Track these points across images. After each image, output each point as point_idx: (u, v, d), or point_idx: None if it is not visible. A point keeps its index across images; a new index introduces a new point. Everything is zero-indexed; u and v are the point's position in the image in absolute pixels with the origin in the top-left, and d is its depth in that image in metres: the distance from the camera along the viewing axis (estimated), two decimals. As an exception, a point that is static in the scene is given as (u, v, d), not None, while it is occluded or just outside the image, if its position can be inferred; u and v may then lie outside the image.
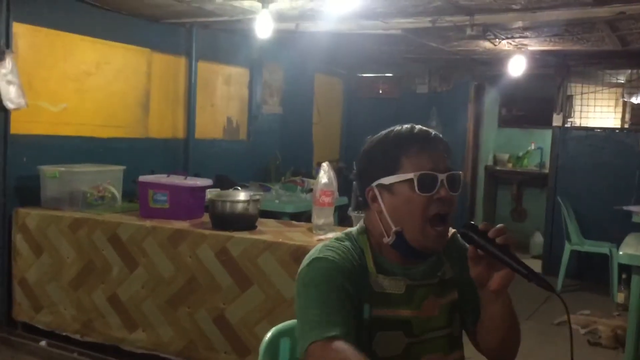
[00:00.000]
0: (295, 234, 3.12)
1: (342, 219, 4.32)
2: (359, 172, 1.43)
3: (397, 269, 1.37)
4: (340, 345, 1.18)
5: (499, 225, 1.26)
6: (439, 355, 1.38)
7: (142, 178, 3.58)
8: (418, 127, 1.39)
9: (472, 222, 1.28)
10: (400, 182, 1.31)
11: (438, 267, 1.42)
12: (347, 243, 1.39)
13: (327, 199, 3.00)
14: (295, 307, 1.33)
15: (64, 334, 3.56)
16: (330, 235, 2.84)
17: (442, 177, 1.31)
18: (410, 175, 1.30)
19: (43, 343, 3.57)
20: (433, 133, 1.38)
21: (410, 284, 1.36)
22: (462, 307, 1.44)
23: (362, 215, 1.49)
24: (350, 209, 3.01)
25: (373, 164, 1.38)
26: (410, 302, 1.35)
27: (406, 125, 1.40)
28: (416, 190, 1.29)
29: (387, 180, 1.33)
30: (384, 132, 1.41)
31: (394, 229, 1.32)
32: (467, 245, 1.30)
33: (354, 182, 1.65)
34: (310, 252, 1.38)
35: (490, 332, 1.38)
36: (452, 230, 1.45)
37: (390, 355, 1.32)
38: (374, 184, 1.35)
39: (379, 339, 1.32)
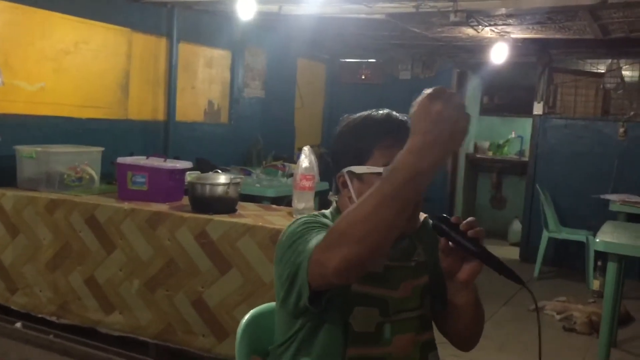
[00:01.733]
0: (275, 218, 3.11)
1: (323, 204, 4.30)
2: (332, 156, 1.44)
3: None
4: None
5: (469, 219, 1.26)
6: (411, 335, 1.39)
7: (121, 159, 3.53)
8: (394, 115, 1.38)
9: (445, 215, 1.27)
10: (370, 173, 1.32)
11: (412, 250, 1.44)
12: (324, 219, 1.40)
13: (307, 183, 2.99)
14: (280, 269, 1.31)
15: (40, 315, 3.52)
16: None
17: None
18: (379, 169, 1.30)
19: (18, 325, 3.53)
20: (408, 122, 1.35)
21: (389, 264, 1.38)
22: (432, 291, 1.46)
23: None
24: (330, 193, 3.01)
25: (345, 151, 1.38)
26: (387, 281, 1.37)
27: (382, 112, 1.39)
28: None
29: (357, 169, 1.34)
30: (358, 116, 1.40)
31: None
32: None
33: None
34: (287, 225, 1.38)
35: (455, 319, 1.41)
36: (423, 215, 1.47)
37: (364, 331, 1.34)
38: (345, 170, 1.36)
39: (356, 314, 1.33)
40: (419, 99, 1.04)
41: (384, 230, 1.05)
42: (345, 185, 1.38)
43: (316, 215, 1.43)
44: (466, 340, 1.48)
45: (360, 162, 1.33)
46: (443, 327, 1.49)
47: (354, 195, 1.35)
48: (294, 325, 1.37)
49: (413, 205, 1.08)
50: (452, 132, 1.01)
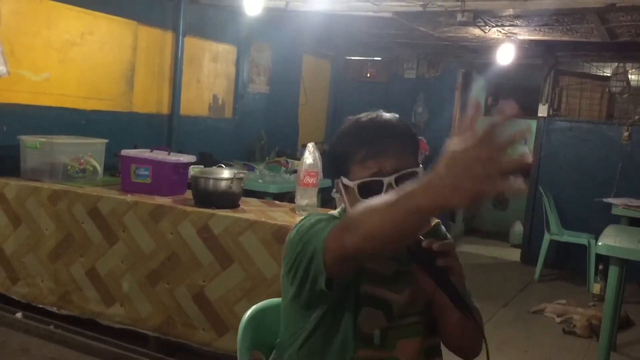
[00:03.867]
0: (277, 214, 3.11)
1: (325, 201, 4.31)
2: (330, 160, 1.45)
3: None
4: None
5: (446, 242, 1.23)
6: (417, 340, 1.38)
7: (125, 152, 3.53)
8: (383, 118, 1.36)
9: (421, 239, 1.22)
10: (350, 186, 1.33)
11: None
12: (334, 219, 1.39)
13: (311, 180, 2.99)
14: (293, 258, 1.28)
15: (41, 306, 3.52)
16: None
17: (388, 180, 1.27)
18: (351, 184, 1.32)
19: (19, 315, 3.53)
20: (388, 132, 1.33)
21: (399, 268, 1.37)
22: None
23: None
24: (334, 190, 3.00)
25: (333, 162, 1.41)
26: (395, 285, 1.36)
27: (364, 119, 1.37)
28: (359, 198, 1.28)
29: (343, 180, 1.35)
30: (345, 125, 1.39)
31: None
32: (449, 235, 1.34)
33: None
34: (297, 223, 1.37)
35: (448, 338, 1.41)
36: (435, 220, 1.46)
37: (371, 333, 1.33)
38: (339, 179, 1.38)
39: (363, 314, 1.33)
40: (463, 142, 0.87)
41: (397, 234, 1.02)
42: (340, 192, 1.39)
43: (326, 214, 1.43)
44: (463, 350, 1.45)
45: (345, 174, 1.34)
46: (443, 338, 1.46)
47: (347, 204, 1.36)
48: (306, 319, 1.36)
49: (420, 225, 1.02)
50: (468, 191, 0.85)
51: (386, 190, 1.26)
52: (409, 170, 1.30)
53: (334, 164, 1.39)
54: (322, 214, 1.41)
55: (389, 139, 1.31)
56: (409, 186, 0.95)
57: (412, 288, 1.38)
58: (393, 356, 1.35)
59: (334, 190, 1.48)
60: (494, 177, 0.82)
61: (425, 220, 1.00)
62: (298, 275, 1.28)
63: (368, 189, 1.28)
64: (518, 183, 0.83)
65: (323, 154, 4.80)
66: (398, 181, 1.27)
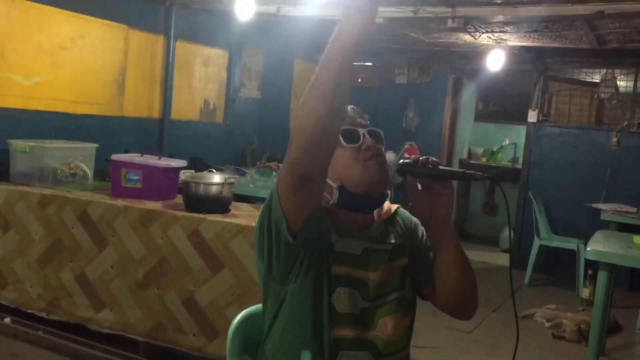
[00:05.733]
0: (268, 219, 3.10)
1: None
2: None
3: (352, 231, 1.42)
4: None
5: (426, 157, 1.40)
6: (395, 317, 1.42)
7: (115, 156, 3.52)
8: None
9: (406, 160, 1.39)
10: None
11: (386, 235, 1.48)
12: None
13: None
14: (257, 231, 1.37)
15: (30, 311, 3.50)
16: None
17: (362, 130, 1.43)
18: None
19: (7, 320, 3.51)
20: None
21: (367, 246, 1.41)
22: (413, 271, 1.50)
23: None
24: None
25: None
26: (366, 264, 1.40)
27: None
28: (342, 143, 1.38)
29: None
30: None
31: (335, 186, 1.39)
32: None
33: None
34: None
35: (446, 278, 1.45)
36: (394, 206, 1.54)
37: (348, 312, 1.36)
38: None
39: (338, 294, 1.36)
40: None
41: (329, 99, 1.13)
42: None
43: None
44: (464, 303, 1.49)
45: None
46: (438, 300, 1.50)
47: None
48: (279, 304, 1.39)
49: (348, 74, 1.16)
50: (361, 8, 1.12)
51: (362, 139, 1.41)
52: (377, 128, 1.46)
53: None
54: None
55: (356, 108, 1.49)
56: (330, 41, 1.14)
57: (384, 265, 1.42)
58: (375, 334, 1.39)
59: None
60: None
61: (353, 53, 1.14)
62: (265, 239, 1.33)
63: (347, 136, 1.40)
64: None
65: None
66: (370, 133, 1.43)
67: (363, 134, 1.42)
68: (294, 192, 1.24)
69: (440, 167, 1.37)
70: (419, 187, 1.40)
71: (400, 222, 1.53)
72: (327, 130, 1.14)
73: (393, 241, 1.46)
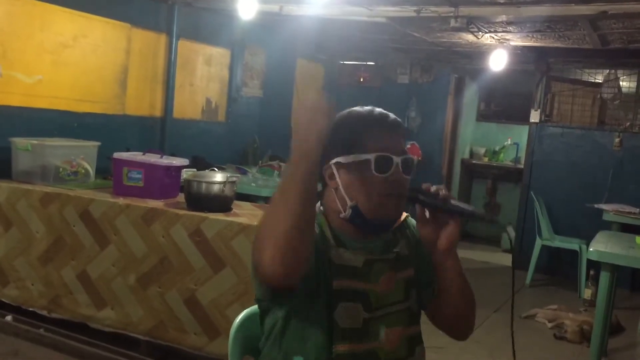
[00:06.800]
0: (270, 218, 3.10)
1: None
2: None
3: (355, 243, 1.40)
4: None
5: (438, 186, 1.37)
6: (399, 329, 1.40)
7: (117, 155, 3.52)
8: (378, 109, 1.44)
9: (417, 186, 1.36)
10: (358, 161, 1.35)
11: (394, 243, 1.46)
12: None
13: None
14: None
15: (31, 309, 3.50)
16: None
17: (397, 159, 1.36)
18: (368, 156, 1.34)
19: (9, 318, 3.51)
20: (392, 116, 1.43)
21: (369, 257, 1.39)
22: (418, 284, 1.48)
23: None
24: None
25: (332, 142, 1.34)
26: (368, 275, 1.38)
27: (366, 107, 1.45)
28: (373, 171, 1.33)
29: (345, 159, 1.36)
30: (343, 112, 1.45)
31: (349, 203, 1.36)
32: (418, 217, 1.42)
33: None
34: None
35: (447, 301, 1.44)
36: (405, 214, 1.51)
37: (351, 327, 1.34)
38: (332, 162, 1.38)
39: (340, 310, 1.34)
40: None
41: (293, 220, 1.12)
42: (332, 177, 1.38)
43: None
44: (460, 326, 1.49)
45: (348, 153, 1.36)
46: (436, 317, 1.50)
47: (340, 185, 1.37)
48: (277, 319, 1.37)
49: (311, 196, 1.16)
50: (306, 133, 1.18)
51: (394, 169, 1.35)
52: (411, 156, 1.40)
53: (333, 144, 1.33)
54: None
55: (397, 124, 1.42)
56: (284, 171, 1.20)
57: (386, 276, 1.40)
58: (376, 347, 1.37)
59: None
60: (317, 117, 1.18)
61: (305, 172, 1.15)
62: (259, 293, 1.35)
63: (380, 164, 1.34)
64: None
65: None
66: (403, 162, 1.36)
67: (397, 163, 1.35)
68: (268, 282, 1.22)
69: (451, 202, 1.35)
70: (427, 214, 1.38)
71: (409, 232, 1.51)
72: (295, 242, 1.13)
73: (397, 250, 1.44)
